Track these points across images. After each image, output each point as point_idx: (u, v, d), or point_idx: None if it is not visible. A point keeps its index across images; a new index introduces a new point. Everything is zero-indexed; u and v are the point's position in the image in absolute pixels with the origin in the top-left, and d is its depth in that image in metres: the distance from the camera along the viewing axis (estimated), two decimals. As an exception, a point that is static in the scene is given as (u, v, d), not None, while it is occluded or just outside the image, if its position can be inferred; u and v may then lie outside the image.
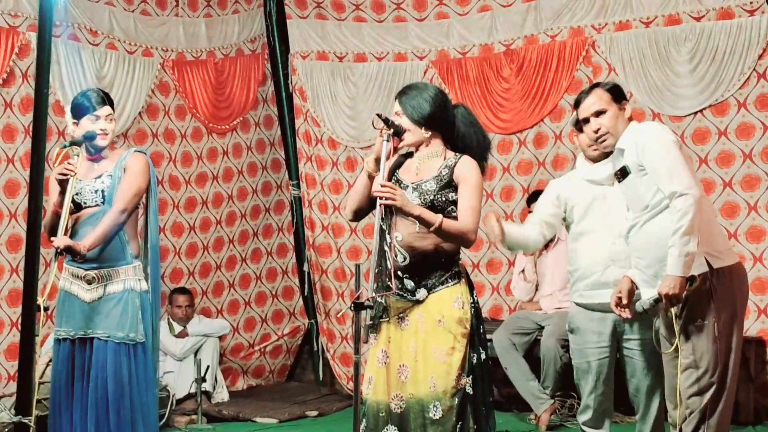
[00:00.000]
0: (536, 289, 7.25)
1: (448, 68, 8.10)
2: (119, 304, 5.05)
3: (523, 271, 7.25)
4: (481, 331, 4.49)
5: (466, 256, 7.90)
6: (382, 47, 8.33)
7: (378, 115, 4.43)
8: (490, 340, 6.97)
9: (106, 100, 5.19)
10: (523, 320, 7.12)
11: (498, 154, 7.88)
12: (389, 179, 4.47)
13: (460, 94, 8.00)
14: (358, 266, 4.66)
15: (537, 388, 6.81)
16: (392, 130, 4.41)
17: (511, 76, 7.83)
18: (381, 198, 4.21)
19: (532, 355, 6.98)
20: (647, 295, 4.53)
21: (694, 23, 7.05)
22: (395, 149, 4.50)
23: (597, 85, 4.73)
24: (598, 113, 4.60)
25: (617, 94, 4.63)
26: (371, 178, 4.45)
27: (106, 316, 5.04)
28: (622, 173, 4.54)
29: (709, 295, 4.40)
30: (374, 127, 4.49)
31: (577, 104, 4.72)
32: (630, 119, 4.62)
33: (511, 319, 7.25)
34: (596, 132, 4.61)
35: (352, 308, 4.26)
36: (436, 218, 4.30)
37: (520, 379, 6.88)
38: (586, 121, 4.64)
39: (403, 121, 4.45)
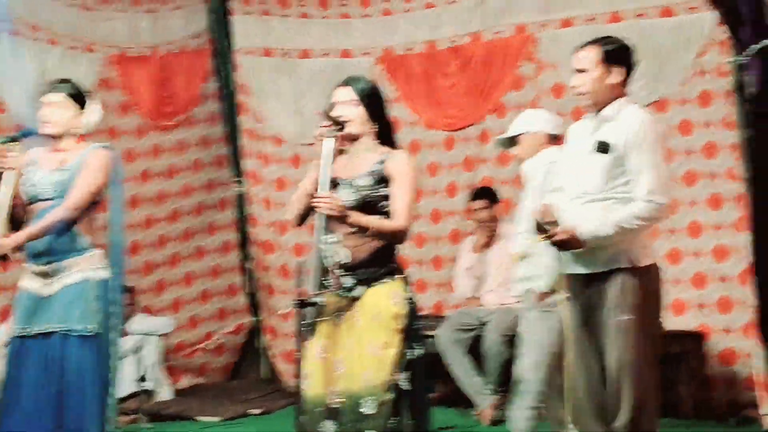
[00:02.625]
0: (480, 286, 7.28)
1: (394, 65, 8.09)
2: (74, 295, 4.95)
3: (469, 267, 7.27)
4: (417, 327, 4.50)
5: (409, 252, 7.92)
6: (327, 43, 8.31)
7: (324, 112, 4.40)
8: (433, 336, 6.99)
9: (63, 88, 5.06)
10: (465, 316, 7.14)
11: (443, 150, 7.90)
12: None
13: (405, 90, 8.01)
14: (299, 263, 4.65)
15: (480, 384, 6.84)
16: (340, 127, 4.39)
17: (456, 73, 7.85)
18: (320, 208, 4.23)
19: (475, 351, 7.01)
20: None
21: (635, 20, 7.11)
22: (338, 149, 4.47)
23: (600, 39, 4.58)
24: (581, 71, 4.53)
25: (612, 57, 4.50)
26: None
27: (62, 308, 4.93)
28: (602, 148, 4.45)
29: (634, 290, 4.42)
30: (318, 124, 4.43)
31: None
32: (620, 86, 4.51)
33: (454, 315, 7.27)
34: (573, 87, 4.57)
35: (295, 305, 4.25)
36: (370, 222, 4.32)
37: (464, 375, 6.90)
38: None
39: (355, 111, 4.43)
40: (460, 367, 6.92)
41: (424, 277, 7.95)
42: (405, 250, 7.97)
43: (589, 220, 4.40)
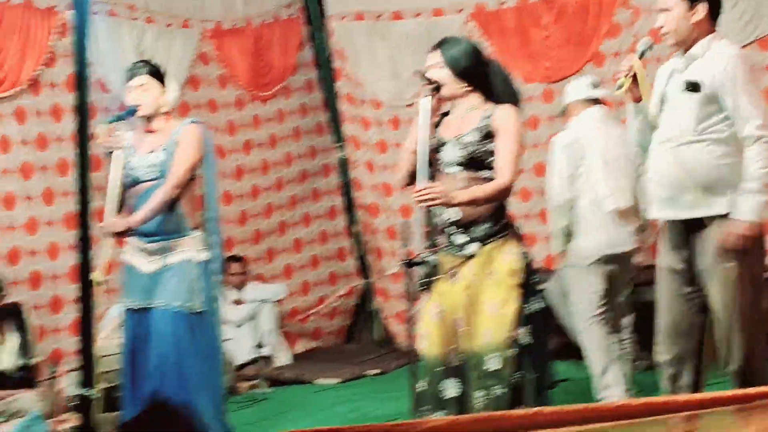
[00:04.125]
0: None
1: (486, 21, 8.03)
2: (177, 274, 5.13)
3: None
4: (534, 281, 4.50)
5: (516, 207, 7.88)
6: (418, 3, 8.27)
7: (417, 71, 4.44)
8: (544, 290, 6.96)
9: (144, 70, 5.20)
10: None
11: (542, 103, 7.83)
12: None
13: (499, 46, 7.94)
14: (405, 224, 4.68)
15: (594, 335, 6.79)
16: (434, 86, 4.42)
17: (550, 24, 7.75)
18: (423, 202, 4.25)
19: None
20: (655, 211, 4.55)
21: (733, -44, 6.92)
22: (436, 108, 4.49)
23: None
24: (663, 10, 4.43)
25: None
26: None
27: (164, 286, 5.13)
28: (692, 87, 4.36)
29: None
30: (414, 83, 4.51)
31: None
32: (706, 22, 4.39)
33: (566, 268, 7.23)
34: (659, 29, 4.47)
35: (403, 265, 4.29)
36: (475, 194, 4.32)
37: (577, 327, 6.87)
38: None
39: (443, 73, 4.45)
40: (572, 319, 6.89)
41: (532, 231, 7.91)
42: (511, 205, 7.98)
43: (686, 189, 4.34)
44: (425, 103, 4.37)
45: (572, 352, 7.16)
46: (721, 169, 4.33)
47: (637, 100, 4.55)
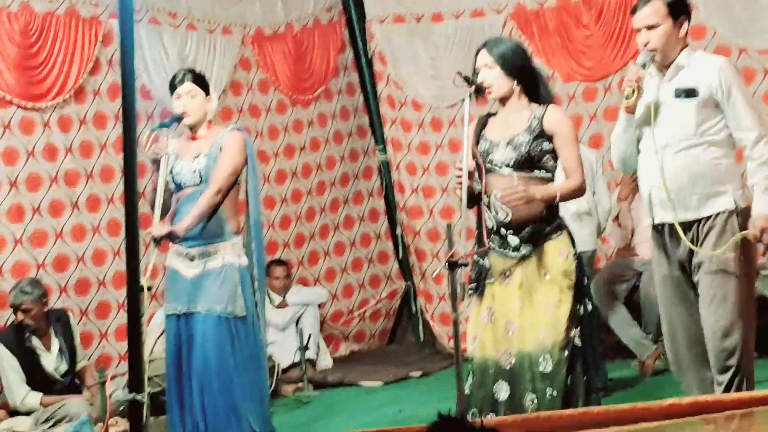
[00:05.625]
0: (632, 235, 7.18)
1: (527, 20, 8.00)
2: (218, 279, 5.15)
3: (617, 218, 7.19)
4: (585, 282, 4.50)
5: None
6: (458, 4, 8.26)
7: (458, 73, 4.44)
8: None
9: (190, 77, 5.24)
10: (620, 267, 7.06)
11: (583, 101, 7.80)
12: (476, 142, 4.49)
13: (540, 45, 7.92)
14: (449, 225, 4.67)
15: (639, 335, 6.76)
16: (474, 88, 4.42)
17: (591, 23, 7.72)
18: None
19: (632, 301, 6.93)
20: (660, 216, 4.53)
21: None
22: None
23: None
24: (650, 27, 4.47)
25: (677, 9, 4.48)
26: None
27: (205, 291, 5.15)
28: (688, 93, 4.44)
29: (735, 232, 4.42)
30: (455, 85, 4.51)
31: (633, 11, 4.57)
32: (686, 37, 4.51)
33: (609, 266, 7.20)
34: (645, 45, 4.51)
35: (447, 267, 4.28)
36: (555, 192, 4.34)
37: (622, 326, 6.83)
38: (639, 31, 4.53)
39: (494, 73, 4.44)
40: (617, 318, 6.86)
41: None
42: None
43: (690, 193, 4.43)
44: (466, 103, 4.37)
45: (618, 351, 7.15)
46: (720, 169, 4.43)
47: (632, 111, 4.56)
